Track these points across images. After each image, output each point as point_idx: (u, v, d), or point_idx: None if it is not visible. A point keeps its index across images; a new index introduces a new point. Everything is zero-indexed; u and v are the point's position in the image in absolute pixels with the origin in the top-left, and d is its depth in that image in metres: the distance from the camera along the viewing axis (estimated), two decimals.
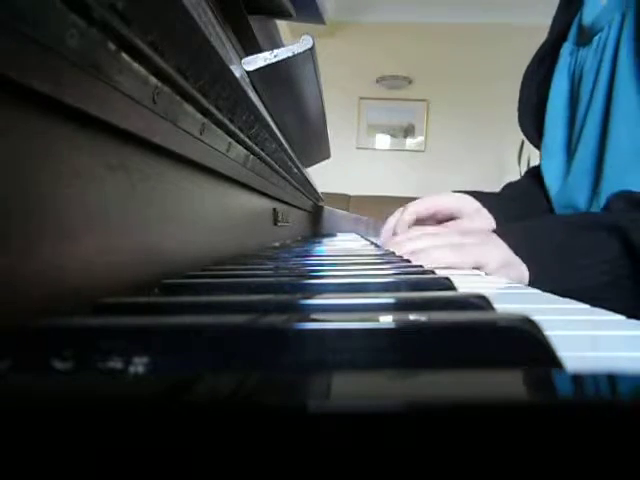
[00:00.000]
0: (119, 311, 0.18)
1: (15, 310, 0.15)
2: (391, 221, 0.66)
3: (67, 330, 0.13)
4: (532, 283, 0.46)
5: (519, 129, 0.77)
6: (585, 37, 0.62)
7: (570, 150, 0.65)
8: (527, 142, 0.79)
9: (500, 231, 0.50)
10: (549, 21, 0.71)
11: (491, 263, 0.46)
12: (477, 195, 0.65)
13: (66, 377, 0.12)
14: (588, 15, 0.61)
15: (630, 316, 0.22)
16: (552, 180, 0.67)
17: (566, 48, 0.66)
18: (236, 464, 0.07)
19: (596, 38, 0.59)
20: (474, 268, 0.47)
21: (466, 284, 0.33)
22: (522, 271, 0.46)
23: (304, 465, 0.07)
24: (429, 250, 0.47)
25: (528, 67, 0.72)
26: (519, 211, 0.65)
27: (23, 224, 0.16)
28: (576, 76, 0.63)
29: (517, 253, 0.47)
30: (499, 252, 0.47)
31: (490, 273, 0.46)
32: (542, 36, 0.72)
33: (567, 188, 0.64)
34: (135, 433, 0.07)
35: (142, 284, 0.24)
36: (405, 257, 0.44)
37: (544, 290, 0.38)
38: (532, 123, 0.72)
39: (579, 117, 0.62)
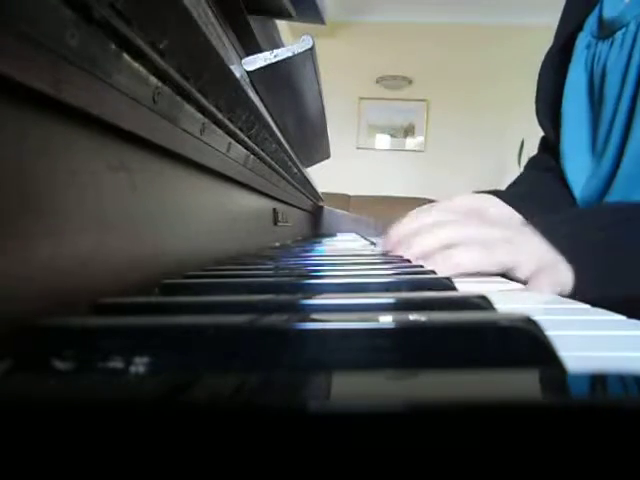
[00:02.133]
0: (119, 311, 0.18)
1: (14, 310, 0.15)
2: (399, 230, 0.48)
3: (67, 330, 0.13)
4: (577, 288, 0.36)
5: (519, 129, 0.76)
6: (606, 31, 0.59)
7: (596, 153, 0.61)
8: (527, 142, 0.78)
9: (535, 223, 0.39)
10: (549, 21, 0.71)
11: (525, 264, 0.37)
12: (497, 195, 0.56)
13: (67, 377, 0.12)
14: (610, 9, 0.58)
15: None
16: (577, 183, 0.63)
17: (582, 40, 0.63)
18: (237, 465, 0.07)
19: (619, 34, 0.56)
20: (502, 273, 0.38)
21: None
22: (564, 273, 0.36)
23: (305, 466, 0.07)
24: (445, 252, 0.37)
25: (544, 60, 0.69)
26: (541, 209, 0.55)
27: (22, 224, 0.16)
28: (595, 71, 0.60)
29: (557, 249, 0.37)
30: (534, 250, 0.37)
31: (523, 277, 0.37)
32: (542, 36, 0.71)
33: (592, 192, 0.60)
34: (135, 433, 0.07)
35: (142, 284, 0.24)
36: (417, 262, 0.36)
37: (593, 296, 0.31)
38: (549, 117, 0.68)
39: (605, 118, 0.58)
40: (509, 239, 0.38)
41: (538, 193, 0.64)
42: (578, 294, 0.35)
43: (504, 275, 0.39)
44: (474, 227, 0.40)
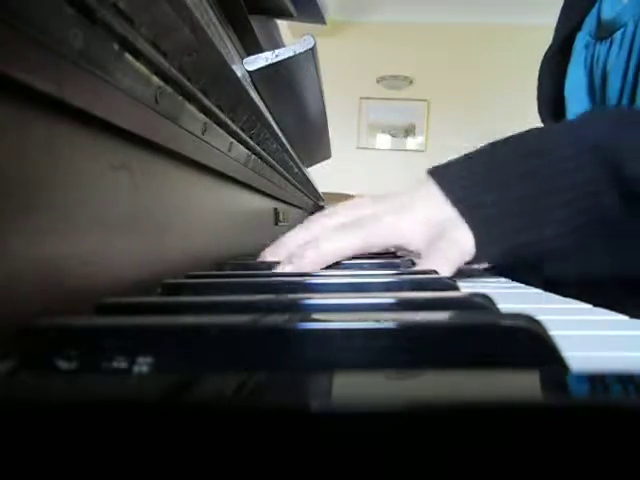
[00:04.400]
0: (121, 311, 0.18)
1: (16, 310, 0.15)
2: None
3: (69, 330, 0.13)
4: (477, 248, 0.32)
5: (519, 129, 0.75)
6: (604, 31, 0.58)
7: None
8: None
9: (437, 171, 0.35)
10: (550, 21, 0.70)
11: (415, 236, 0.32)
12: None
13: (69, 377, 0.12)
14: (609, 9, 0.58)
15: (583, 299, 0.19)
16: None
17: (580, 40, 0.62)
18: (238, 464, 0.07)
19: (618, 34, 0.56)
20: (396, 248, 0.34)
21: None
22: (457, 236, 0.32)
23: (306, 465, 0.07)
24: (315, 243, 0.32)
25: (543, 59, 0.69)
26: None
27: (24, 223, 0.16)
28: (596, 71, 0.60)
29: (453, 203, 0.32)
30: (423, 215, 0.33)
31: (417, 250, 0.33)
32: (542, 36, 0.71)
33: None
34: (138, 433, 0.07)
35: (143, 284, 0.24)
36: (285, 268, 0.31)
37: (495, 248, 0.30)
38: (551, 115, 0.68)
39: None
40: (394, 209, 0.34)
41: None
42: (482, 258, 0.32)
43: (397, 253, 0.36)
44: (355, 210, 0.35)
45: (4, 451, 0.07)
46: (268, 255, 0.35)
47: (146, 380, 0.11)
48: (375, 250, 0.34)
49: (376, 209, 0.34)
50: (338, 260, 0.33)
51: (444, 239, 0.32)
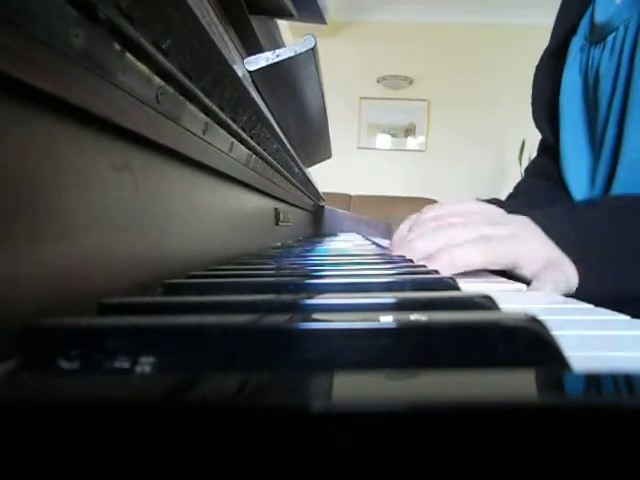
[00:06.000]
0: (123, 311, 0.18)
1: (17, 311, 0.15)
2: (403, 229, 0.54)
3: (71, 330, 0.13)
4: (583, 287, 0.37)
5: (520, 129, 0.75)
6: (597, 35, 0.58)
7: (593, 159, 0.60)
8: (528, 142, 0.77)
9: (538, 218, 0.39)
10: (550, 21, 0.70)
11: (530, 261, 0.37)
12: (498, 204, 0.55)
13: (71, 377, 0.12)
14: (601, 13, 0.58)
15: None
16: (577, 188, 0.62)
17: (576, 43, 0.62)
18: (240, 464, 0.07)
19: (610, 38, 0.56)
20: (507, 269, 0.39)
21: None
22: (569, 272, 0.37)
23: (307, 465, 0.07)
24: (449, 250, 0.37)
25: (540, 62, 0.68)
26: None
27: (26, 224, 0.16)
28: (589, 75, 0.60)
29: (562, 247, 0.37)
30: (539, 247, 0.38)
31: (529, 274, 0.37)
32: (543, 36, 0.71)
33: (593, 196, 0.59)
34: (139, 433, 0.07)
35: (144, 284, 0.24)
36: (420, 262, 0.36)
37: (599, 296, 0.33)
38: (546, 119, 0.68)
39: (599, 125, 0.58)
40: (513, 235, 0.38)
41: (537, 205, 0.64)
42: (584, 293, 0.35)
43: (510, 274, 0.40)
44: (477, 225, 0.40)
45: (6, 452, 0.07)
46: (403, 251, 0.41)
47: (148, 380, 0.11)
48: (492, 268, 0.38)
49: (501, 231, 0.39)
50: (465, 270, 0.37)
51: (553, 268, 0.37)
